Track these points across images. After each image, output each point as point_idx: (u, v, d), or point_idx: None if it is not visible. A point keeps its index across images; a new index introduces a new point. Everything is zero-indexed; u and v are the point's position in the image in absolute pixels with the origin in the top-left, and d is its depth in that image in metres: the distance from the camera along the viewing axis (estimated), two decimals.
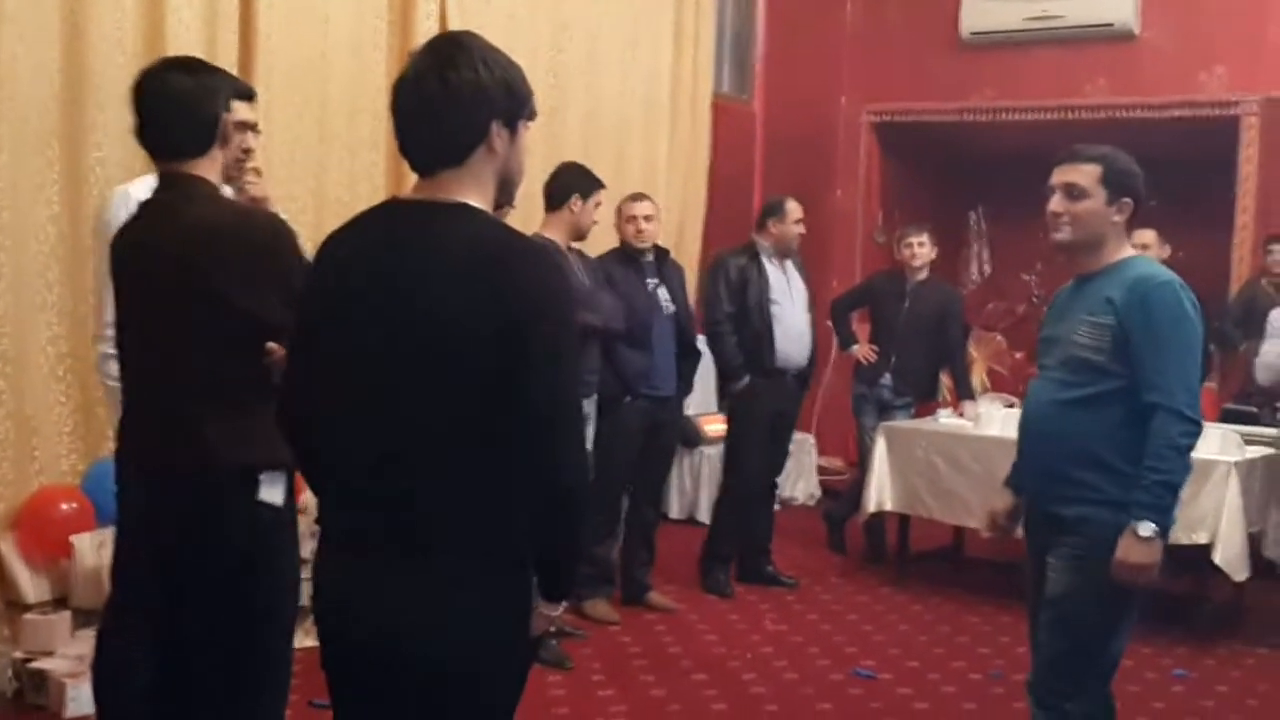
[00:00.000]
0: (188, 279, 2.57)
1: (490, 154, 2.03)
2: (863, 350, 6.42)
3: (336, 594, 2.07)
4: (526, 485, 1.98)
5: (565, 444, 2.00)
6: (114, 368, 3.12)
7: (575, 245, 4.98)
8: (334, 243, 2.10)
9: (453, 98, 1.98)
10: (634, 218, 5.29)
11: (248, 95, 2.82)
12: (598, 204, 4.92)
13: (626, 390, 5.13)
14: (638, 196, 5.42)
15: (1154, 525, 2.84)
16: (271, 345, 2.52)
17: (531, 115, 2.10)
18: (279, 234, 2.59)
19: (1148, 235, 5.97)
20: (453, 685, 2.00)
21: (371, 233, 2.06)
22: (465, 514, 1.97)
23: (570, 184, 4.87)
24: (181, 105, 2.67)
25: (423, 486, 1.97)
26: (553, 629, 4.79)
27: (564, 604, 2.16)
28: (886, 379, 6.37)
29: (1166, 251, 6.16)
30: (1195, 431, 2.90)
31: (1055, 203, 3.01)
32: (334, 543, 2.09)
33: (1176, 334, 2.91)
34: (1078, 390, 2.98)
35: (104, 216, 3.29)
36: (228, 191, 2.88)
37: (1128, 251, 3.05)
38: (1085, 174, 2.98)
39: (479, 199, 2.03)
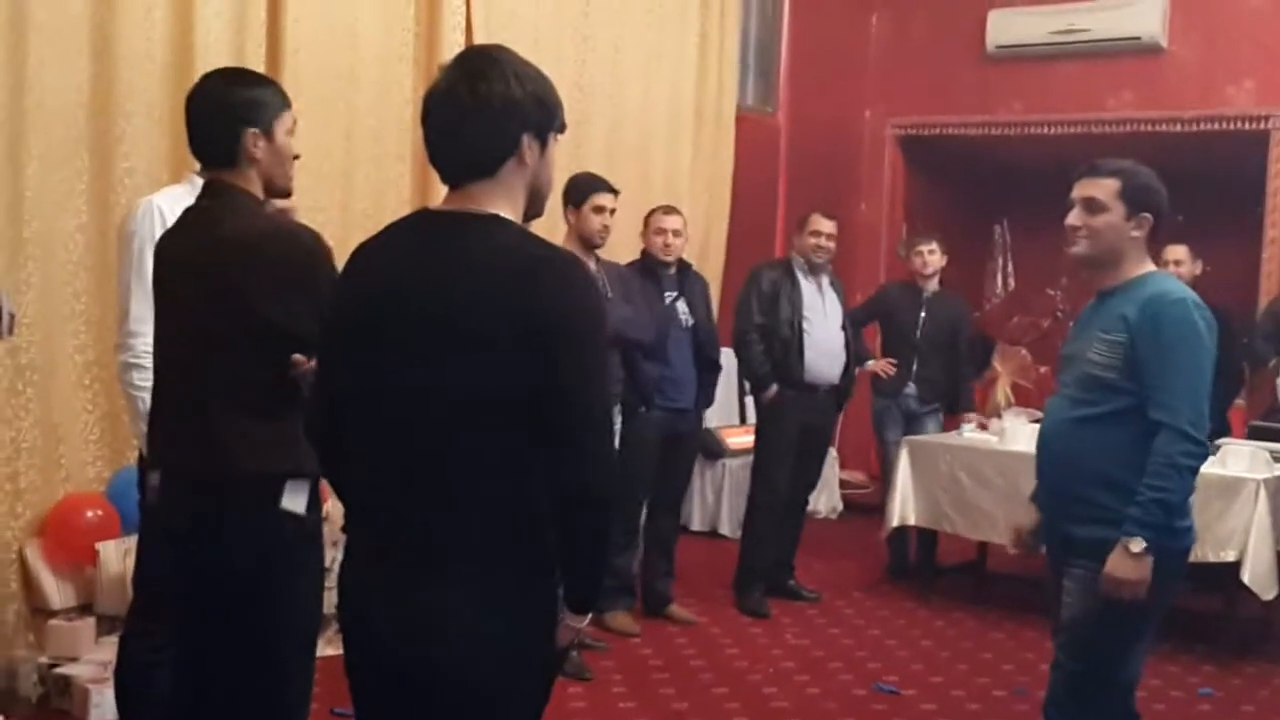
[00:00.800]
0: (219, 288, 2.59)
1: (520, 166, 2.03)
2: (881, 365, 6.41)
3: (361, 603, 2.07)
4: (554, 497, 1.98)
5: (595, 457, 1.98)
6: (136, 376, 3.15)
7: (601, 255, 4.96)
8: (363, 253, 2.11)
9: (483, 110, 1.98)
10: (663, 230, 5.30)
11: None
12: (596, 208, 4.82)
13: (642, 401, 5.13)
14: (668, 210, 5.41)
15: (1145, 541, 2.83)
16: (297, 357, 2.54)
17: (561, 128, 2.11)
18: (314, 251, 2.60)
19: (1179, 251, 5.93)
20: (475, 696, 2.00)
21: (401, 244, 2.06)
22: (490, 525, 1.97)
23: (565, 197, 4.86)
24: (202, 118, 2.72)
25: (448, 498, 1.97)
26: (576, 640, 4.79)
27: (589, 616, 2.16)
28: (911, 389, 6.38)
29: (1199, 268, 6.12)
30: (1198, 452, 2.87)
31: (1074, 216, 3.00)
32: (359, 552, 2.09)
33: (1185, 352, 2.88)
34: (1091, 408, 2.96)
35: (128, 227, 3.30)
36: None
37: (1148, 267, 3.02)
38: (1104, 188, 2.97)
39: (509, 210, 2.03)
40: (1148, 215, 2.97)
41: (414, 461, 1.98)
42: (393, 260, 2.04)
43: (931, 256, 6.35)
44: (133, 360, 3.18)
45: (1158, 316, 2.88)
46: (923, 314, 6.37)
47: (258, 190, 2.71)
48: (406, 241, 2.05)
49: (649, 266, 5.32)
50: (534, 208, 2.11)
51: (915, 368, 6.36)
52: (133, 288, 3.20)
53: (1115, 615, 2.90)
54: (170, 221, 2.91)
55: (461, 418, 1.94)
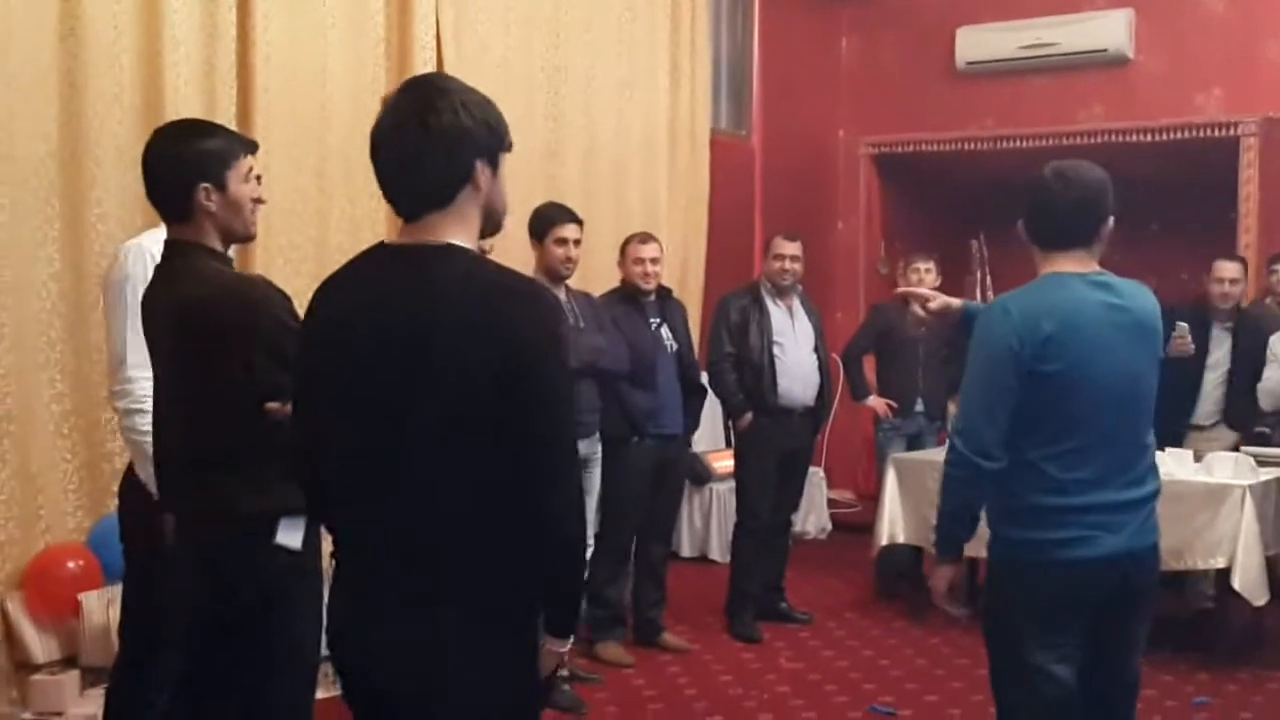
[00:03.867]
0: (183, 352, 2.67)
1: (476, 192, 2.04)
2: (880, 405, 6.38)
3: (347, 635, 2.09)
4: (525, 525, 1.98)
5: (560, 486, 2.00)
6: (139, 421, 3.14)
7: (572, 285, 4.93)
8: (326, 291, 2.12)
9: (437, 143, 1.99)
10: (641, 259, 5.28)
11: (252, 149, 2.84)
12: (558, 240, 4.75)
13: (635, 431, 5.11)
14: (645, 238, 5.39)
15: (935, 549, 2.93)
16: (271, 405, 2.58)
17: (509, 146, 2.11)
18: (257, 303, 2.64)
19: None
20: None
21: (364, 280, 2.06)
22: (471, 559, 1.98)
23: (530, 229, 4.84)
24: (156, 176, 2.75)
25: (426, 529, 1.98)
26: (564, 672, 4.76)
27: (571, 640, 2.17)
28: (920, 405, 6.38)
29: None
30: (958, 460, 2.78)
31: None
32: (345, 586, 2.11)
33: (970, 358, 2.84)
34: None
35: (117, 273, 3.25)
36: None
37: (1043, 273, 2.90)
38: None
39: (464, 237, 2.04)
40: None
41: (391, 495, 1.99)
42: (356, 300, 2.04)
43: (928, 275, 6.34)
44: (134, 406, 3.17)
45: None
46: (923, 329, 6.36)
47: (215, 242, 2.74)
48: (368, 278, 2.06)
49: (630, 295, 5.31)
50: (489, 226, 2.12)
51: (921, 384, 6.37)
52: (128, 333, 3.18)
53: (993, 626, 2.98)
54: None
55: (434, 450, 1.95)
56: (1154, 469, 2.95)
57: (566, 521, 2.00)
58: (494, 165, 2.06)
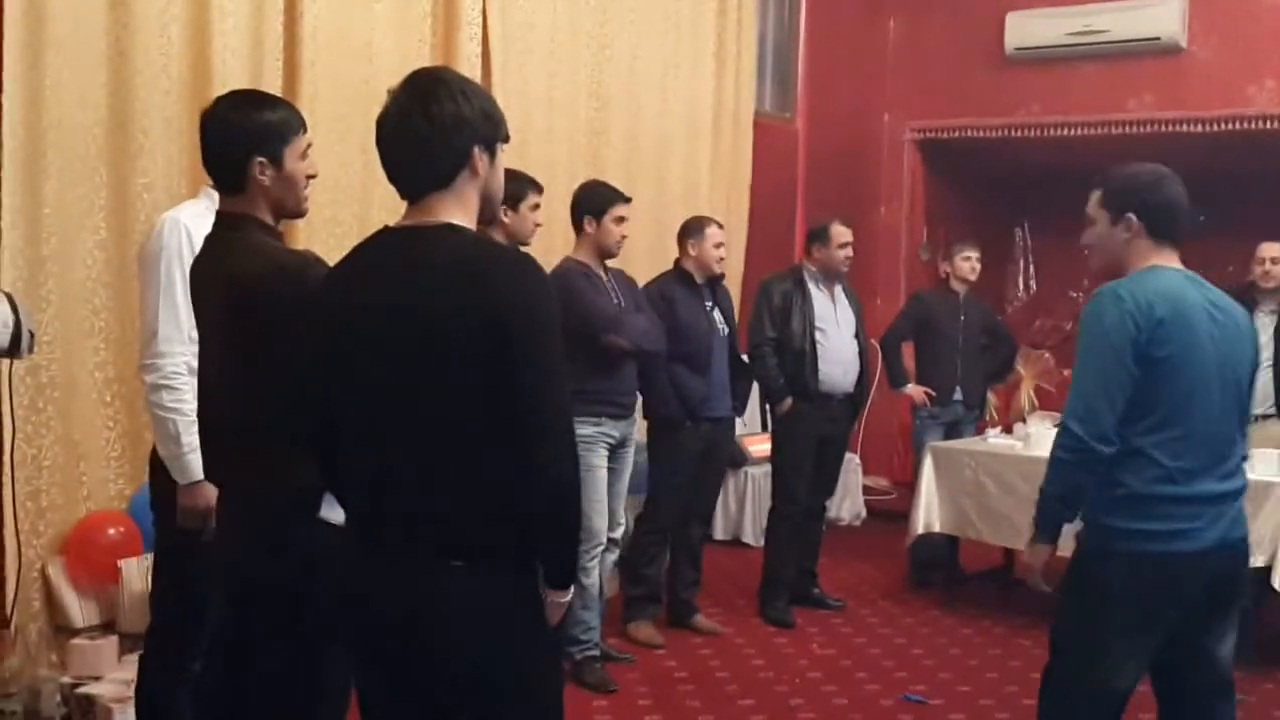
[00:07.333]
0: (232, 327, 2.69)
1: (473, 176, 2.19)
2: (918, 393, 6.37)
3: (357, 599, 2.19)
4: (521, 484, 2.09)
5: (551, 441, 2.10)
6: (167, 397, 3.14)
7: (612, 266, 4.92)
8: (335, 273, 2.28)
9: (438, 129, 2.14)
10: (719, 244, 5.35)
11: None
12: (617, 219, 4.74)
13: (689, 415, 5.12)
14: (719, 224, 5.47)
15: (1034, 529, 2.94)
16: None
17: (506, 138, 2.25)
18: (306, 277, 2.62)
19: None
20: (476, 686, 2.12)
21: (366, 260, 2.21)
22: (474, 514, 2.10)
23: (582, 206, 4.80)
24: (211, 144, 2.75)
25: (431, 490, 2.10)
26: (595, 651, 4.77)
27: (571, 590, 2.26)
28: (958, 394, 6.36)
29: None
30: (1074, 445, 2.80)
31: (1084, 235, 3.04)
32: (353, 549, 2.21)
33: (1084, 344, 2.86)
34: None
35: (153, 245, 3.21)
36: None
37: (1145, 264, 2.92)
38: (1091, 201, 3.00)
39: (463, 218, 2.19)
40: (1130, 216, 2.92)
41: (395, 459, 2.12)
42: (361, 277, 2.18)
43: (976, 263, 6.38)
44: (162, 381, 3.16)
45: (1084, 310, 2.90)
46: (962, 318, 6.38)
47: (266, 215, 2.75)
48: (372, 259, 2.20)
49: (688, 278, 5.32)
50: (487, 212, 2.26)
51: (959, 373, 6.36)
52: (161, 307, 3.18)
53: (1075, 612, 2.94)
54: (195, 238, 2.98)
55: (434, 414, 2.09)
56: (1242, 466, 2.98)
57: (557, 474, 2.10)
58: (491, 153, 2.21)
